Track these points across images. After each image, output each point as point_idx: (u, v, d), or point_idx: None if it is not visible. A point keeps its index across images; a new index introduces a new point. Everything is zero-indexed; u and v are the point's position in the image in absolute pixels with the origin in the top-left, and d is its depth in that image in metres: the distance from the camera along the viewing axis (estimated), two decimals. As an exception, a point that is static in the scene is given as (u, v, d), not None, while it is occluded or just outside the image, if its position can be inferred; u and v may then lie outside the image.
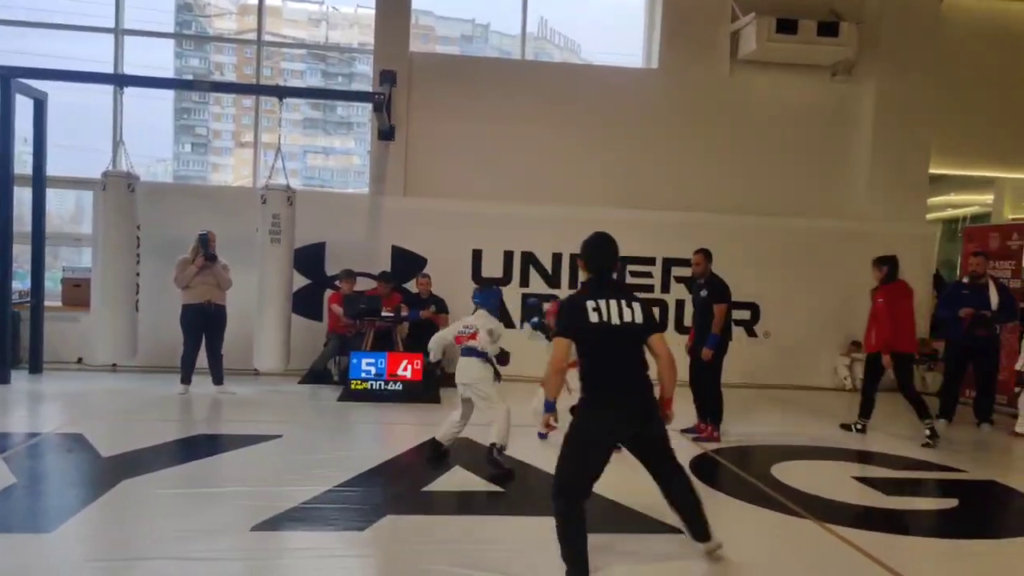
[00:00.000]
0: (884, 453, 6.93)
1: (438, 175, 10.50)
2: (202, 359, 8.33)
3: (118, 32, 10.49)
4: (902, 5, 10.82)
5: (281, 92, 9.31)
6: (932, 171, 11.21)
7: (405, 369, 8.41)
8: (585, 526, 3.85)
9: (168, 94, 13.86)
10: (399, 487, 5.42)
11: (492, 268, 10.17)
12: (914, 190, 11.09)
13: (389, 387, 8.37)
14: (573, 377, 4.84)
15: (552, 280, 10.28)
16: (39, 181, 9.16)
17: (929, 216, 11.89)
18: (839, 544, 4.54)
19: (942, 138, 11.09)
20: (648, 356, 4.00)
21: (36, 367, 9.09)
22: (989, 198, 13.33)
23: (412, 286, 9.76)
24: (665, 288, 10.47)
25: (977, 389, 8.40)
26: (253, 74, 11.14)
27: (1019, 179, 12.22)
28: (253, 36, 11.04)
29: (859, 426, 7.76)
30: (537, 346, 6.76)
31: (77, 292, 9.79)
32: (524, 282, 10.19)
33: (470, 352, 5.97)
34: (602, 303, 3.89)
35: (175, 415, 7.50)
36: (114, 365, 9.09)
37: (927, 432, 7.31)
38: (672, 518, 4.73)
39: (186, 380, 8.22)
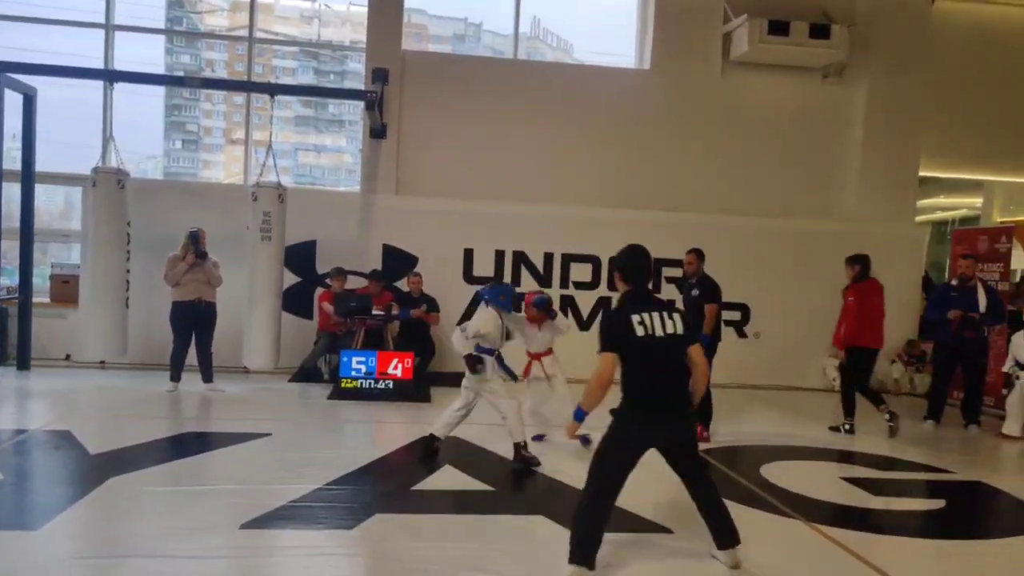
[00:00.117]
0: (872, 453, 6.96)
1: (430, 174, 10.48)
2: (192, 357, 8.29)
3: (109, 27, 10.43)
4: (893, 8, 10.86)
5: (273, 89, 9.28)
6: (922, 173, 11.27)
7: (395, 368, 8.39)
8: (605, 520, 3.94)
9: (159, 90, 13.80)
10: (389, 486, 5.42)
11: (483, 267, 10.17)
12: (904, 192, 11.14)
13: (379, 386, 8.35)
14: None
15: (543, 280, 10.28)
16: (28, 177, 9.10)
17: (918, 218, 11.95)
18: (827, 544, 4.57)
19: (932, 141, 11.16)
20: None
21: (24, 363, 9.04)
22: (978, 201, 13.42)
23: (403, 285, 9.75)
24: (656, 288, 10.46)
25: (965, 391, 8.45)
26: (244, 71, 11.10)
27: (1008, 182, 12.31)
28: (245, 33, 11.00)
29: (847, 426, 7.79)
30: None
31: (66, 288, 9.73)
32: (516, 282, 10.16)
33: (480, 350, 5.98)
34: (646, 316, 3.97)
35: (164, 412, 7.46)
36: (102, 362, 9.04)
37: (886, 417, 7.56)
38: (663, 518, 4.76)
39: (175, 378, 8.18)
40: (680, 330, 4.02)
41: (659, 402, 3.99)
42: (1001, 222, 12.17)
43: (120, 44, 10.54)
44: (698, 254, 7.28)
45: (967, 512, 5.76)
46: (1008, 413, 7.95)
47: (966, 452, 7.39)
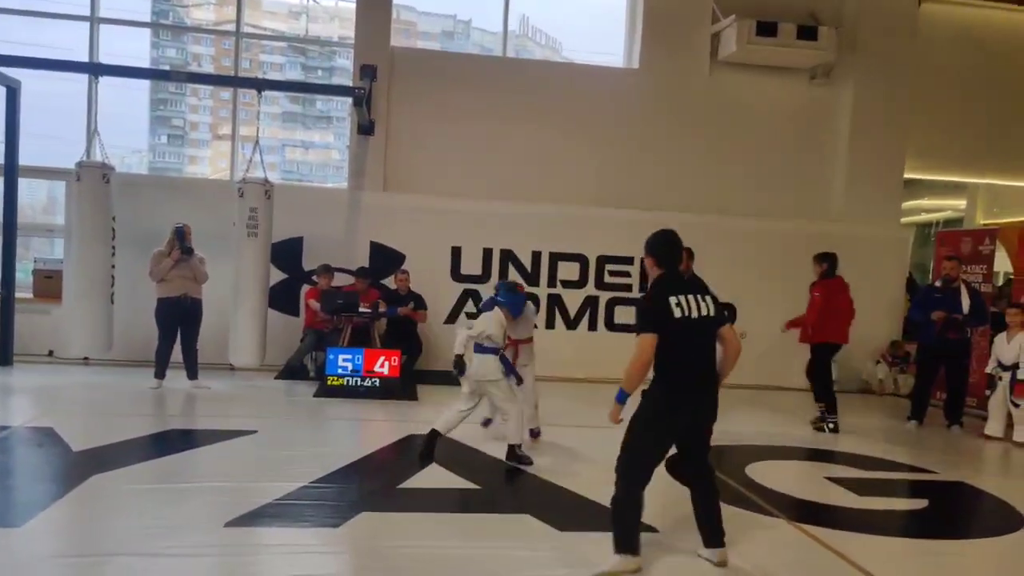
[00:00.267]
0: (856, 453, 7.00)
1: (418, 171, 10.46)
2: (177, 353, 8.23)
3: (94, 20, 10.33)
4: (880, 11, 10.93)
5: (260, 85, 9.21)
6: (907, 175, 11.35)
7: (382, 366, 8.37)
8: (641, 505, 4.01)
9: (144, 84, 13.69)
10: (375, 484, 5.41)
11: (471, 265, 10.16)
12: (889, 194, 11.22)
13: (366, 383, 8.32)
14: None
15: (531, 278, 10.27)
16: (11, 171, 9.01)
17: (903, 220, 12.04)
18: (811, 543, 4.59)
19: (917, 143, 11.24)
20: None
21: (6, 359, 8.95)
22: (962, 203, 13.52)
23: (391, 282, 9.72)
24: (643, 287, 10.47)
25: (948, 392, 8.51)
26: (231, 66, 11.03)
27: (991, 185, 12.40)
28: (232, 27, 10.93)
29: (831, 424, 7.85)
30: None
31: (49, 284, 9.64)
32: (503, 280, 10.15)
33: (485, 349, 5.99)
34: (682, 298, 4.03)
35: (148, 410, 7.41)
36: (86, 358, 8.96)
37: (817, 415, 7.93)
38: (649, 516, 4.77)
39: (160, 374, 8.13)
40: (713, 312, 4.10)
41: (691, 384, 4.06)
42: (984, 224, 12.28)
43: (105, 37, 10.45)
44: (688, 253, 7.28)
45: (950, 512, 5.80)
46: (990, 414, 8.02)
47: (949, 452, 7.45)
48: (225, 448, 6.02)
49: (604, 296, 10.47)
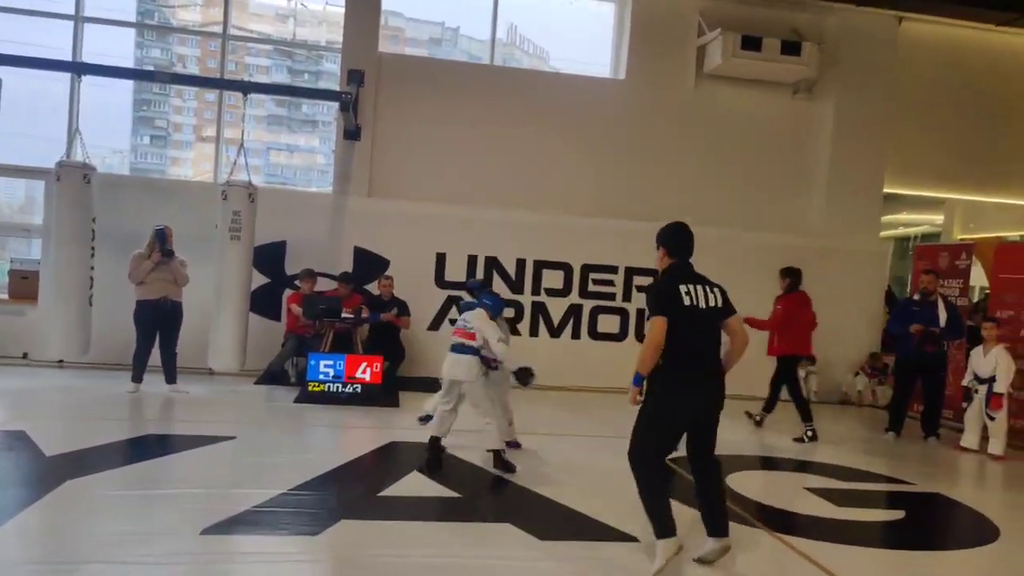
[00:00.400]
0: (834, 464, 7.05)
1: (403, 177, 10.44)
2: (155, 357, 8.14)
3: (78, 19, 10.25)
4: (861, 28, 11.07)
5: (246, 87, 9.17)
6: (886, 190, 11.48)
7: (364, 372, 8.32)
8: (665, 486, 4.21)
9: (127, 84, 13.57)
10: (354, 491, 5.36)
11: (456, 272, 10.14)
12: (869, 207, 11.35)
13: (347, 390, 8.27)
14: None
15: (515, 286, 10.28)
16: (-10, 169, 8.91)
17: (882, 234, 12.17)
18: (790, 553, 4.61)
19: (897, 158, 11.37)
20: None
21: (-20, 361, 8.84)
22: (939, 218, 13.69)
23: (375, 288, 9.69)
24: (627, 297, 10.54)
25: (925, 404, 8.60)
26: (217, 67, 10.97)
27: (968, 201, 12.56)
28: (218, 29, 10.88)
29: (809, 433, 7.92)
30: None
31: (25, 285, 9.52)
32: (488, 287, 10.14)
33: (464, 349, 5.97)
34: (692, 288, 4.16)
35: (124, 414, 7.32)
36: (61, 361, 8.84)
37: (756, 413, 8.30)
38: (628, 526, 4.78)
39: (137, 378, 8.02)
40: (720, 303, 4.21)
41: (697, 371, 4.15)
42: (961, 239, 12.44)
43: (90, 36, 10.36)
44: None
45: (926, 523, 5.87)
46: (966, 426, 8.11)
47: (926, 464, 7.52)
48: (203, 454, 5.95)
49: (588, 305, 10.49)
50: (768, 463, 7.02)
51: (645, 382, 4.19)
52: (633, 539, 4.63)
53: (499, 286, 10.21)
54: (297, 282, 9.46)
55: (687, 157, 11.00)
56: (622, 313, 10.52)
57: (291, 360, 9.22)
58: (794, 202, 11.31)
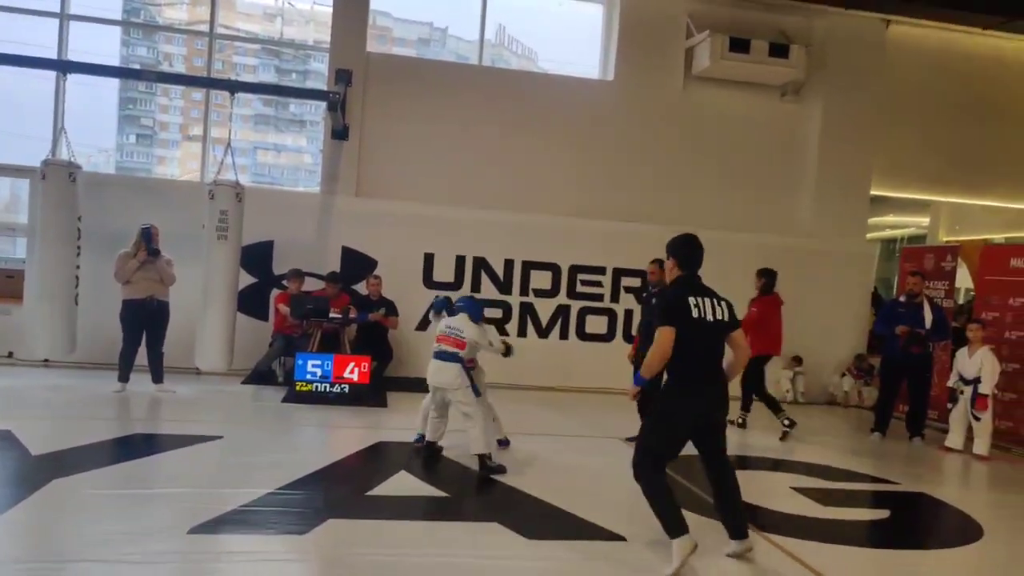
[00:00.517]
0: (820, 464, 7.10)
1: (391, 177, 10.43)
2: (142, 356, 8.10)
3: (63, 17, 10.18)
4: (849, 31, 11.15)
5: (234, 87, 9.13)
6: (873, 192, 11.55)
7: (352, 372, 8.30)
8: (668, 487, 4.27)
9: (113, 83, 13.50)
10: (342, 491, 5.36)
11: (444, 272, 10.14)
12: (856, 209, 11.42)
13: (335, 390, 8.25)
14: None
15: (503, 286, 10.29)
16: (-26, 167, 8.83)
17: (869, 235, 12.25)
18: (776, 552, 4.63)
19: (884, 161, 11.45)
20: None
21: (-36, 360, 8.76)
22: (925, 220, 13.80)
23: (362, 287, 9.67)
24: (615, 298, 10.57)
25: (910, 404, 8.66)
26: (203, 66, 10.92)
27: (954, 203, 12.67)
28: (205, 27, 10.83)
29: (786, 423, 8.10)
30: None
31: (10, 284, 9.45)
32: (476, 287, 10.17)
33: (448, 357, 6.01)
34: (700, 300, 4.25)
35: (111, 413, 7.27)
36: (46, 360, 8.78)
37: (785, 423, 8.17)
38: (616, 526, 4.79)
39: (124, 378, 7.98)
40: (726, 317, 4.29)
41: (702, 381, 4.24)
42: (947, 241, 12.55)
43: (75, 34, 10.29)
44: (661, 264, 7.36)
45: (911, 523, 5.91)
46: (951, 427, 8.17)
47: (911, 464, 7.57)
48: (190, 453, 5.93)
49: (576, 305, 10.50)
50: (754, 463, 7.05)
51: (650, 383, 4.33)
52: (621, 538, 4.64)
53: (487, 287, 10.24)
54: (285, 282, 9.43)
55: (675, 158, 11.04)
56: (610, 314, 10.55)
57: (279, 360, 9.20)
58: (781, 203, 11.37)
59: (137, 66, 13.75)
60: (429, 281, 10.09)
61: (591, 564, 4.29)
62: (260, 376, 9.05)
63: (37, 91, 10.05)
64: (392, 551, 4.23)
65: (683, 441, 4.34)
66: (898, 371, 8.55)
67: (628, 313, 10.47)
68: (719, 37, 10.37)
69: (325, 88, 10.11)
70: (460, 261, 10.21)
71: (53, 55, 10.05)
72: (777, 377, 10.73)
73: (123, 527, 4.25)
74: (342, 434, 7.32)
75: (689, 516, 4.33)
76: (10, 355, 9.15)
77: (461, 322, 6.13)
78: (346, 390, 8.26)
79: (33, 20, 10.30)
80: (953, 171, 11.84)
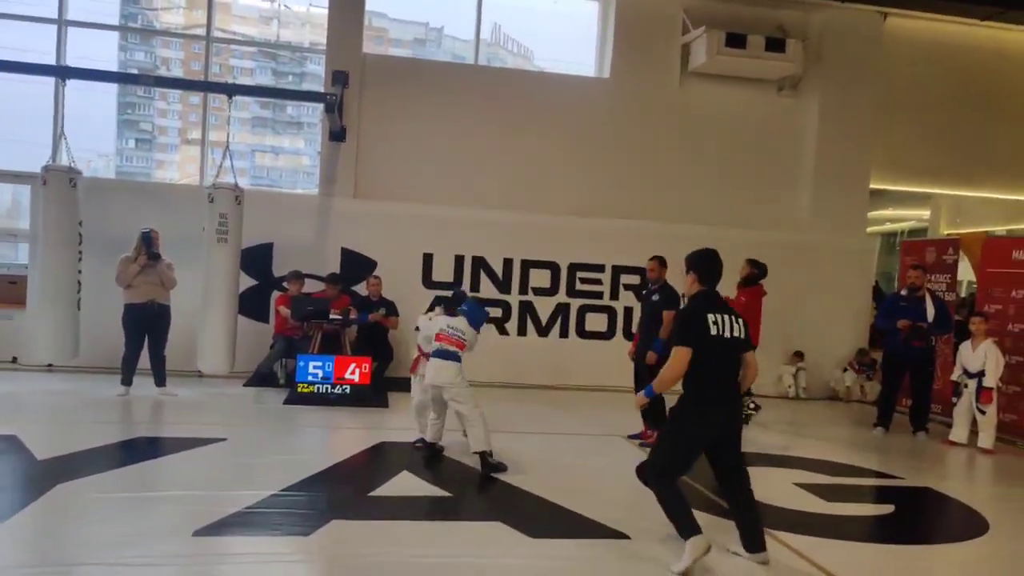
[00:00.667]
0: (823, 460, 7.10)
1: (389, 178, 10.43)
2: (144, 360, 8.11)
3: (61, 23, 10.19)
4: (846, 25, 11.13)
5: (231, 90, 9.14)
6: (872, 186, 11.55)
7: (353, 373, 8.31)
8: (682, 493, 4.29)
9: (111, 88, 13.51)
10: (345, 491, 5.36)
11: (443, 272, 10.14)
12: (855, 203, 11.40)
13: (336, 391, 8.26)
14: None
15: (502, 285, 10.30)
16: (-26, 174, 8.84)
17: (869, 229, 12.24)
18: (780, 548, 4.62)
19: (883, 154, 11.44)
20: None
21: (-33, 366, 8.76)
22: (926, 213, 13.78)
23: (362, 288, 9.68)
24: (614, 295, 10.57)
25: (913, 398, 8.66)
26: (201, 70, 10.92)
27: (955, 196, 12.66)
28: (202, 31, 10.83)
29: (751, 406, 8.15)
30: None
31: (13, 289, 9.44)
32: (475, 287, 10.17)
33: (448, 355, 6.03)
34: (719, 317, 4.26)
35: (115, 417, 7.28)
36: (49, 365, 8.79)
37: (751, 406, 8.17)
38: (620, 524, 4.79)
39: (127, 381, 8.00)
40: (742, 335, 4.31)
41: (717, 397, 4.26)
42: (948, 234, 12.53)
43: (73, 40, 10.29)
44: (660, 261, 7.39)
45: (916, 517, 5.90)
46: (955, 420, 8.16)
47: (915, 459, 7.58)
48: (193, 456, 5.94)
49: (575, 303, 10.50)
50: (756, 459, 7.03)
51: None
52: (624, 536, 4.65)
53: (486, 286, 10.24)
54: (285, 284, 9.43)
55: (673, 155, 11.03)
56: (609, 312, 10.55)
57: (280, 362, 9.20)
58: (780, 199, 11.36)
59: (135, 71, 13.77)
60: (428, 281, 10.09)
61: (595, 562, 4.29)
62: (262, 378, 9.06)
63: (37, 97, 10.06)
64: (396, 551, 4.24)
65: (697, 454, 4.35)
66: (900, 365, 8.54)
67: (628, 311, 10.47)
68: (715, 33, 10.36)
69: (322, 90, 10.13)
70: (459, 261, 10.22)
71: (52, 61, 10.06)
72: (779, 373, 10.75)
73: (128, 530, 4.26)
74: (344, 435, 7.33)
75: (698, 516, 4.32)
76: (14, 360, 9.16)
77: (462, 324, 6.16)
78: (347, 391, 8.26)
79: (31, 26, 10.32)
80: (953, 163, 11.83)
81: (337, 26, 10.22)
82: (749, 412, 8.14)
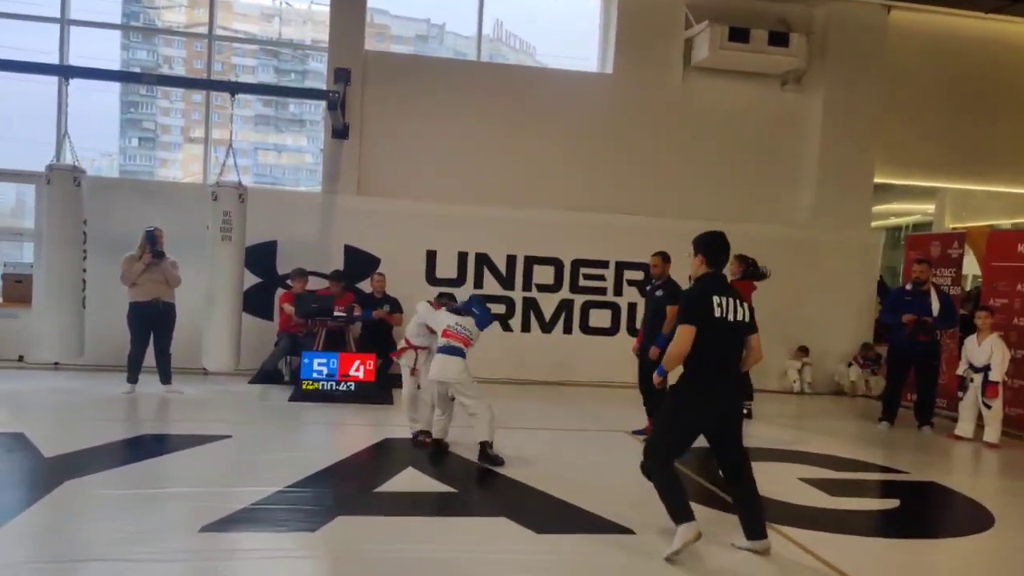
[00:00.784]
0: (828, 454, 7.08)
1: (392, 175, 10.43)
2: (150, 358, 8.13)
3: (64, 22, 10.20)
4: (850, 18, 11.09)
5: (234, 88, 9.14)
6: (877, 180, 11.51)
7: (357, 370, 8.33)
8: (677, 476, 4.33)
9: (114, 87, 13.55)
10: (350, 488, 5.37)
11: (446, 269, 10.15)
12: (859, 198, 11.37)
13: (341, 388, 8.28)
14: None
15: (506, 282, 10.30)
16: (-21, 173, 8.86)
17: (873, 224, 12.21)
18: (785, 543, 4.62)
19: (887, 148, 11.40)
20: None
21: (-27, 365, 8.79)
22: (931, 207, 13.74)
23: (366, 285, 9.69)
24: (618, 291, 10.56)
25: (918, 393, 8.64)
26: (203, 68, 10.94)
27: (960, 189, 12.62)
28: (204, 30, 10.84)
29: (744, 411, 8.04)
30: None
31: (18, 288, 9.48)
32: (478, 283, 10.18)
33: (454, 351, 6.05)
34: (724, 300, 4.24)
35: (121, 415, 7.31)
36: (56, 363, 8.82)
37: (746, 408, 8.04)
38: (624, 519, 4.80)
39: (132, 379, 8.02)
40: (747, 318, 4.31)
41: (718, 380, 4.26)
42: (953, 228, 12.50)
43: (75, 39, 10.31)
44: (663, 257, 7.39)
45: (921, 512, 5.89)
46: (961, 415, 8.13)
47: (920, 453, 7.56)
48: (199, 453, 5.95)
49: (579, 299, 10.50)
50: (761, 454, 7.02)
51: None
52: (630, 531, 4.65)
53: (490, 282, 10.24)
54: (289, 281, 9.45)
55: (676, 150, 11.01)
56: (613, 307, 10.54)
57: (285, 359, 9.21)
58: (784, 193, 11.34)
59: (138, 70, 13.80)
60: (432, 278, 10.10)
61: (601, 557, 4.29)
62: (266, 375, 9.08)
63: (40, 96, 10.08)
64: (402, 547, 4.24)
65: (695, 438, 4.34)
66: (905, 360, 8.52)
67: (631, 306, 10.46)
68: (718, 27, 10.33)
69: (324, 87, 10.13)
70: (462, 257, 10.22)
71: (55, 60, 10.08)
72: (784, 368, 10.74)
73: (135, 527, 4.28)
74: (349, 431, 7.34)
75: (698, 509, 4.33)
76: (20, 359, 9.20)
77: (469, 324, 6.23)
78: (352, 388, 8.28)
79: (34, 26, 10.33)
80: (958, 157, 11.78)
81: (339, 23, 10.22)
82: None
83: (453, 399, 6.21)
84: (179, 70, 14.55)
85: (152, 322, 8.05)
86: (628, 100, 10.91)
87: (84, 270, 8.30)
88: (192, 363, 8.64)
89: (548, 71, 11.34)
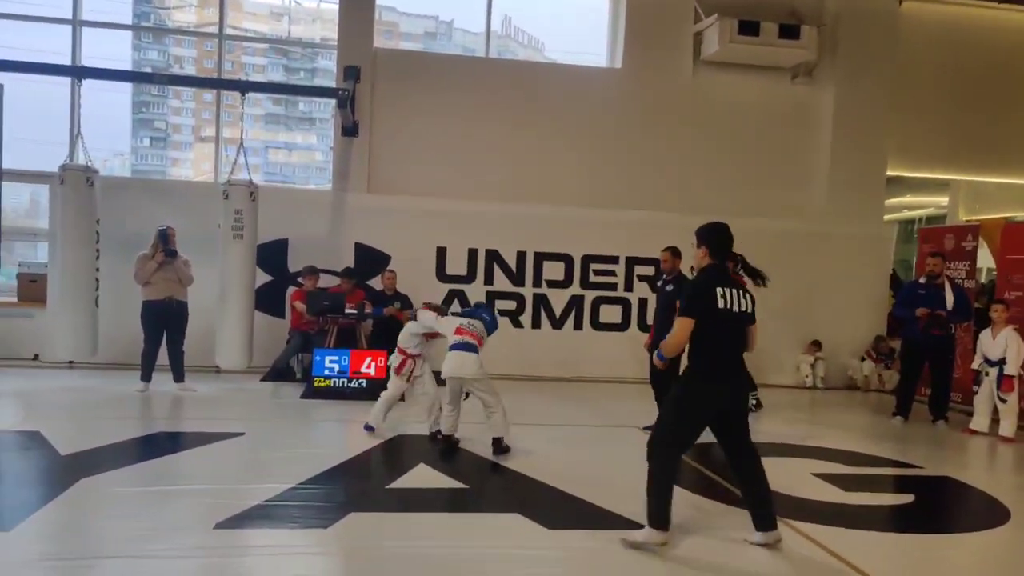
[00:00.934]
0: (841, 449, 7.05)
1: (402, 172, 10.45)
2: (163, 356, 8.19)
3: (76, 23, 10.27)
4: (861, 10, 11.01)
5: (244, 87, 9.17)
6: (889, 173, 11.44)
7: (369, 367, 8.35)
8: (674, 480, 4.33)
9: (126, 87, 13.60)
10: (362, 485, 5.41)
11: (457, 266, 10.16)
12: (871, 191, 11.30)
13: (352, 385, 8.30)
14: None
15: (516, 278, 10.30)
16: (-6, 174, 8.93)
17: (886, 217, 12.13)
18: (799, 539, 4.61)
19: (899, 141, 11.33)
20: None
21: (-11, 364, 8.87)
22: (944, 200, 13.65)
23: (377, 283, 9.71)
24: (628, 287, 10.54)
25: (932, 387, 8.58)
26: (213, 68, 10.98)
27: (973, 181, 12.53)
28: (214, 29, 10.88)
29: (752, 403, 8.08)
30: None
31: (33, 288, 9.55)
32: (488, 280, 10.19)
33: (469, 347, 6.10)
34: (727, 291, 4.24)
35: (135, 413, 7.36)
36: (70, 362, 8.89)
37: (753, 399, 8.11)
38: (635, 514, 4.79)
39: (146, 378, 8.08)
40: (749, 309, 4.32)
41: (723, 371, 4.26)
42: (967, 221, 12.41)
43: (87, 40, 10.38)
44: (673, 252, 7.38)
45: (936, 507, 5.85)
46: (976, 409, 8.07)
47: (934, 448, 7.52)
48: (213, 450, 5.99)
49: (590, 295, 10.49)
50: (773, 449, 7.01)
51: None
52: (641, 527, 4.63)
53: (500, 279, 10.25)
54: (300, 279, 9.49)
55: (686, 144, 10.97)
56: (624, 303, 10.52)
57: (296, 356, 9.26)
58: (796, 187, 11.28)
59: (149, 70, 13.86)
60: (442, 275, 10.12)
61: (611, 553, 4.28)
62: (278, 373, 9.12)
63: (53, 97, 10.15)
64: (414, 543, 4.26)
65: (700, 431, 4.34)
66: (920, 354, 8.46)
67: (642, 302, 10.44)
68: (728, 20, 10.28)
69: (334, 85, 10.15)
70: (472, 254, 10.23)
71: (67, 61, 10.15)
72: (797, 362, 10.70)
73: (150, 524, 4.31)
74: (361, 429, 7.34)
75: (707, 504, 4.32)
76: (36, 358, 9.28)
77: (479, 325, 6.32)
78: (364, 385, 8.30)
79: (47, 27, 10.41)
80: (971, 148, 11.70)
81: (347, 21, 10.24)
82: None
83: (467, 396, 6.22)
84: (190, 70, 14.60)
85: (165, 320, 8.10)
86: (637, 95, 10.88)
87: (97, 269, 8.36)
88: (205, 361, 8.69)
89: (557, 67, 11.33)
